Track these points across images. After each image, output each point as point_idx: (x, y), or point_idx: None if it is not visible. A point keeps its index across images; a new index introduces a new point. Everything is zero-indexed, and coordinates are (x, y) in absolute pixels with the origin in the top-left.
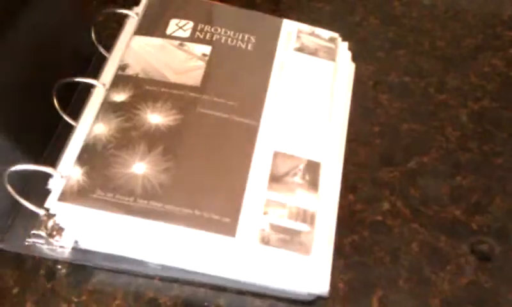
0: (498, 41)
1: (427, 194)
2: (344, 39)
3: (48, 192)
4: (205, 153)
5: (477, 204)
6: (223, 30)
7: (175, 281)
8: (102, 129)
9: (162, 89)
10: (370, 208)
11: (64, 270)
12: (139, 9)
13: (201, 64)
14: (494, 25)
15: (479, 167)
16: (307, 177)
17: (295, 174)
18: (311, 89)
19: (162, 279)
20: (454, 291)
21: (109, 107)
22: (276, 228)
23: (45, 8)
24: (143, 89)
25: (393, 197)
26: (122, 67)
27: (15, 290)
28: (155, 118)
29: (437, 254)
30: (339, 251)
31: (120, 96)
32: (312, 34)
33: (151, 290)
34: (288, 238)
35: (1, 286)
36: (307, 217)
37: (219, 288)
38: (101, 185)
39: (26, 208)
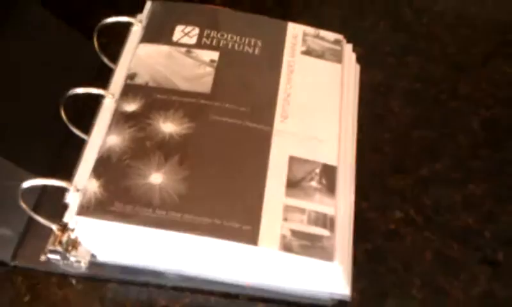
0: (509, 48)
1: (439, 202)
2: (354, 45)
3: (59, 206)
4: (220, 160)
5: (489, 213)
6: (229, 35)
7: (189, 289)
8: (116, 140)
9: (173, 98)
10: (383, 216)
11: (76, 279)
12: (143, 16)
13: (210, 71)
14: (505, 32)
15: (491, 175)
16: (324, 181)
17: (311, 178)
18: (320, 91)
19: (175, 287)
20: (467, 300)
21: (120, 118)
22: (297, 234)
23: (43, 20)
24: (153, 97)
25: (406, 205)
26: (130, 76)
27: (27, 298)
28: (168, 126)
29: (450, 262)
30: (352, 258)
31: (130, 106)
32: (317, 36)
33: (163, 298)
34: (310, 244)
35: (13, 294)
36: (327, 222)
37: (232, 295)
38: (119, 197)
39: (37, 223)
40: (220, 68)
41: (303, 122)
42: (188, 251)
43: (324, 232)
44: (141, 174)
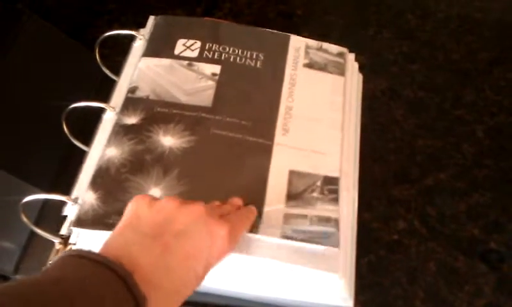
0: None
1: (443, 212)
2: (357, 54)
3: (61, 219)
4: (220, 175)
5: (494, 223)
6: (231, 48)
7: (188, 302)
8: (115, 153)
9: (174, 111)
10: (387, 227)
11: None
12: (146, 31)
13: (212, 84)
14: (510, 39)
15: (496, 184)
16: (326, 192)
17: (313, 190)
18: (322, 104)
19: None
20: None
21: (120, 130)
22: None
23: (45, 32)
24: (154, 111)
25: (410, 216)
26: (132, 89)
27: None
28: (168, 140)
29: (455, 274)
30: (355, 270)
31: (130, 119)
32: (320, 49)
33: None
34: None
35: None
36: (331, 222)
37: None
38: (116, 210)
39: (39, 236)
40: (221, 82)
41: (304, 135)
42: None
43: (329, 229)
44: (139, 188)
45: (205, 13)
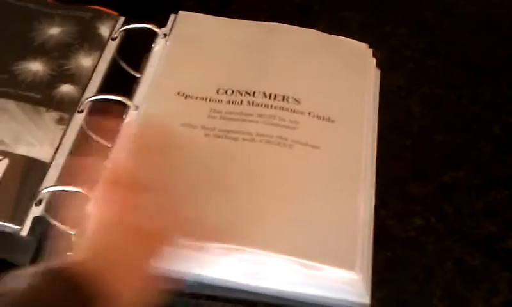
0: None
1: (461, 210)
2: (375, 49)
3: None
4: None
5: (511, 220)
6: None
7: (206, 296)
8: None
9: None
10: (403, 224)
11: None
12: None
13: None
14: None
15: None
16: None
17: None
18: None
19: (193, 294)
20: None
21: None
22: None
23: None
24: None
25: (427, 213)
26: None
27: None
28: None
29: (472, 271)
30: (372, 267)
31: None
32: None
33: (181, 304)
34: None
35: None
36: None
37: (250, 303)
38: None
39: (55, 228)
40: None
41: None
42: (206, 258)
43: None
44: None
45: (219, 6)
